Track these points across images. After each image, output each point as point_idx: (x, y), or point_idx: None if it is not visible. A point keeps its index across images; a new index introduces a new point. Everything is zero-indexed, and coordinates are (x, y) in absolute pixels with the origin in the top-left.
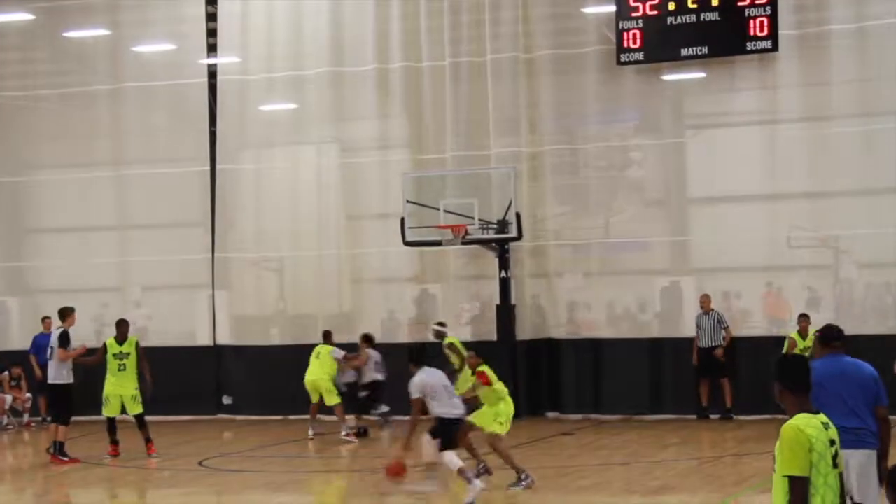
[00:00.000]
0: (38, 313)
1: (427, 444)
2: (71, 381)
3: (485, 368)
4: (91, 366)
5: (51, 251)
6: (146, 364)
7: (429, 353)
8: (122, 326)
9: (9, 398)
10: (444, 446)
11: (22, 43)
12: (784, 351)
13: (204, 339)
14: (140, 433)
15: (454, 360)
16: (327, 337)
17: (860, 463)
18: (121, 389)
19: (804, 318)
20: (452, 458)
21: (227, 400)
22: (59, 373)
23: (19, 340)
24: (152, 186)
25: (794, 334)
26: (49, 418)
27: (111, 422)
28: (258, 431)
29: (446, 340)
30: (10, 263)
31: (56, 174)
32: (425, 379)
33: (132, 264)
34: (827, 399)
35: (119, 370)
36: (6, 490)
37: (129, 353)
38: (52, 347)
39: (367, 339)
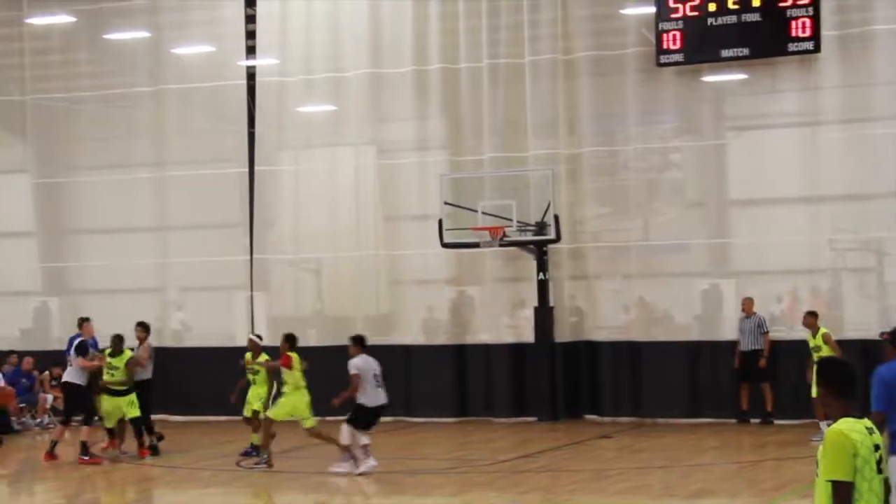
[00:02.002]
0: (78, 314)
1: (345, 430)
2: (84, 383)
3: (293, 354)
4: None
5: (91, 252)
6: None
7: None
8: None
9: (49, 397)
10: (358, 427)
11: (63, 45)
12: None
13: (242, 341)
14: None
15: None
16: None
17: None
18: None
19: (811, 315)
20: (347, 433)
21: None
22: (79, 375)
23: (60, 340)
24: (191, 187)
25: (808, 336)
26: (61, 419)
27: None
28: (296, 432)
29: (260, 358)
30: (51, 264)
31: (96, 175)
32: (361, 364)
33: (171, 265)
34: None
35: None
36: (46, 489)
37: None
38: (69, 356)
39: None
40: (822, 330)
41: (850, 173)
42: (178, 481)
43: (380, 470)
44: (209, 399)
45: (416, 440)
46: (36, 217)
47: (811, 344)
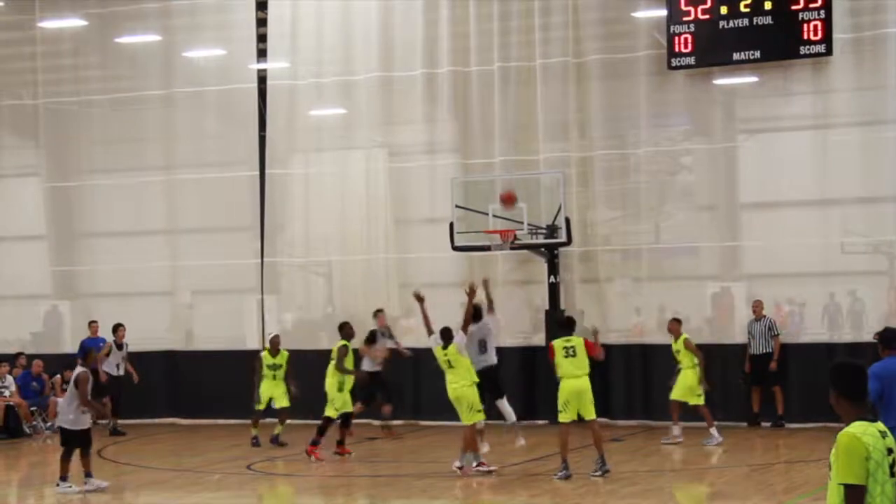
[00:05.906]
0: (89, 317)
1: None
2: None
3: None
4: None
5: (102, 255)
6: None
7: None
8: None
9: (60, 401)
10: None
11: (74, 49)
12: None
13: (253, 344)
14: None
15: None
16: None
17: None
18: None
19: (675, 322)
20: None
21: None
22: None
23: (71, 344)
24: (202, 191)
25: (673, 341)
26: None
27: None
28: (307, 435)
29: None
30: (63, 267)
31: (107, 179)
32: None
33: (182, 268)
34: (890, 399)
35: None
36: (55, 492)
37: None
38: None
39: None
40: (683, 336)
41: (862, 176)
42: (188, 485)
43: (390, 473)
44: (219, 402)
45: (425, 444)
46: (47, 220)
47: (673, 349)
